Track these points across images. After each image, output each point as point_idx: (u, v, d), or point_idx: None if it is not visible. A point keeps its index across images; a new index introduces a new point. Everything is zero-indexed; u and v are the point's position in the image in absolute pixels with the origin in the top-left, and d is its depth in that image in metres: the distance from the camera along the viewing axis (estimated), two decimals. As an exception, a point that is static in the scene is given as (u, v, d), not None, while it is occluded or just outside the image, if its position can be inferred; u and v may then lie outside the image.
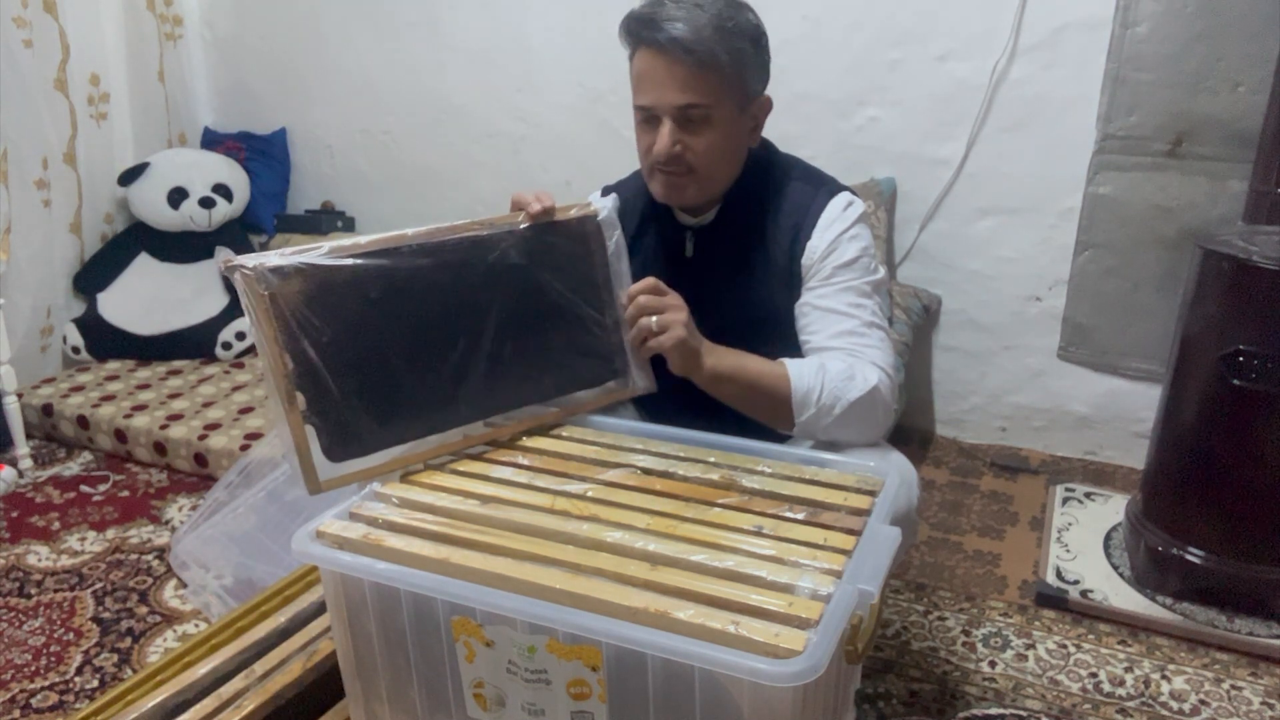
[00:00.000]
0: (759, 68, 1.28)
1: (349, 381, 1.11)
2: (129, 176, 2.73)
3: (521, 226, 1.22)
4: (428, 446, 1.18)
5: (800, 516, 1.03)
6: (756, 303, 1.33)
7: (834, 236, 1.29)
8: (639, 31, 1.23)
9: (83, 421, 2.37)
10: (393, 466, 1.15)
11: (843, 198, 1.32)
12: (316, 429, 1.09)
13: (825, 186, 1.34)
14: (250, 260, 1.05)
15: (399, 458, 1.15)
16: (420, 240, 1.16)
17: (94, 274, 2.73)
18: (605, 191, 1.46)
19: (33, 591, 1.82)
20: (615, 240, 1.27)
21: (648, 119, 1.26)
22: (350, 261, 1.11)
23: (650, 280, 1.23)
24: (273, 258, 1.06)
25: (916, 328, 2.25)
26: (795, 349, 1.30)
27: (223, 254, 1.06)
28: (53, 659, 1.63)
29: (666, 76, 1.21)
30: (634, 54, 1.26)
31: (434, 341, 1.17)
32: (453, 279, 1.17)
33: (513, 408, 1.24)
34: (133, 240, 2.79)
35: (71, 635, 1.69)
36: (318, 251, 1.09)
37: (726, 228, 1.35)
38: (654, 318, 1.21)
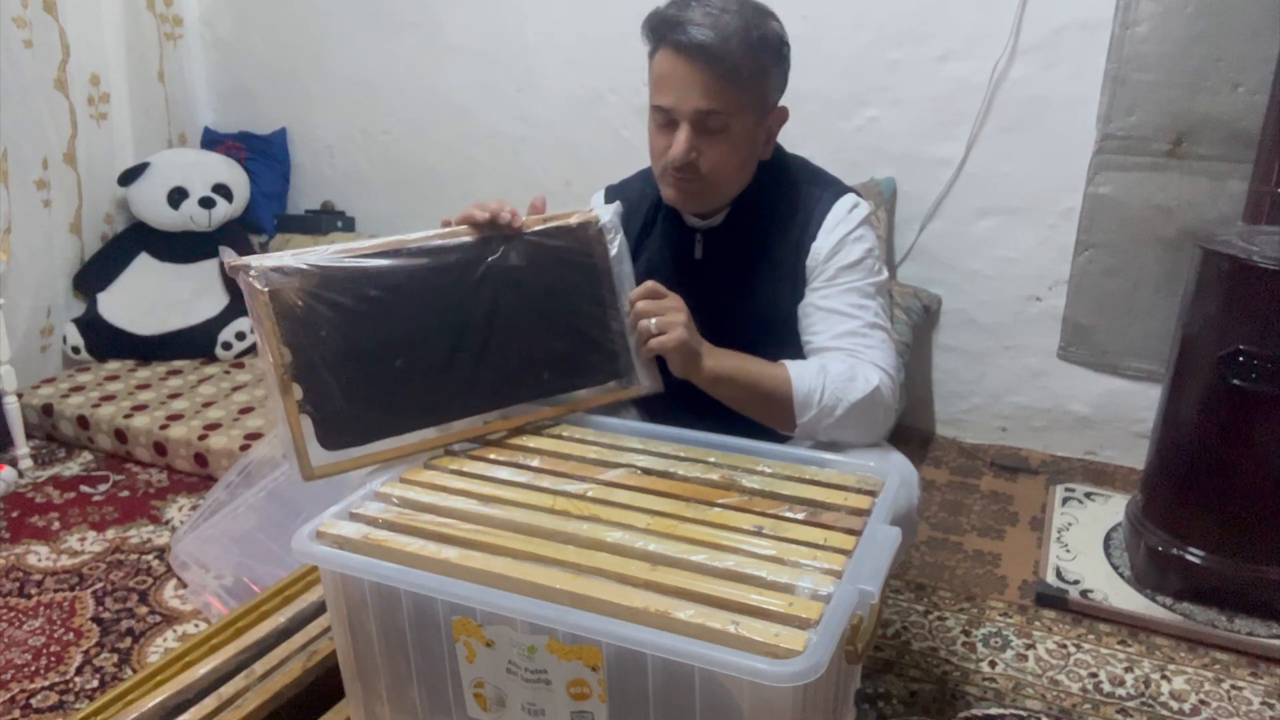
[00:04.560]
0: (780, 79, 1.28)
1: (345, 373, 1.14)
2: (129, 176, 2.73)
3: (524, 231, 1.23)
4: (424, 439, 1.18)
5: (800, 516, 1.03)
6: (765, 304, 1.33)
7: (839, 238, 1.29)
8: (664, 31, 1.21)
9: (83, 421, 2.37)
10: (386, 455, 1.16)
11: (848, 199, 1.32)
12: (312, 418, 1.12)
13: (831, 188, 1.34)
14: (254, 260, 1.10)
15: (393, 448, 1.16)
16: (419, 244, 1.19)
17: (94, 274, 2.73)
18: (608, 191, 1.46)
19: (33, 591, 1.82)
20: (618, 243, 1.28)
21: (665, 120, 1.25)
22: (351, 262, 1.15)
23: (649, 284, 1.24)
24: (275, 258, 1.11)
25: (916, 328, 2.25)
26: (802, 349, 1.31)
27: (227, 254, 1.10)
28: (53, 659, 1.63)
29: (688, 81, 1.20)
30: (655, 52, 1.25)
31: (431, 338, 1.18)
32: (451, 279, 1.19)
33: (511, 404, 1.24)
34: (133, 240, 2.79)
35: (71, 635, 1.69)
36: (320, 253, 1.14)
37: (736, 229, 1.35)
38: (654, 320, 1.21)
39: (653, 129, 1.28)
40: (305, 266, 1.12)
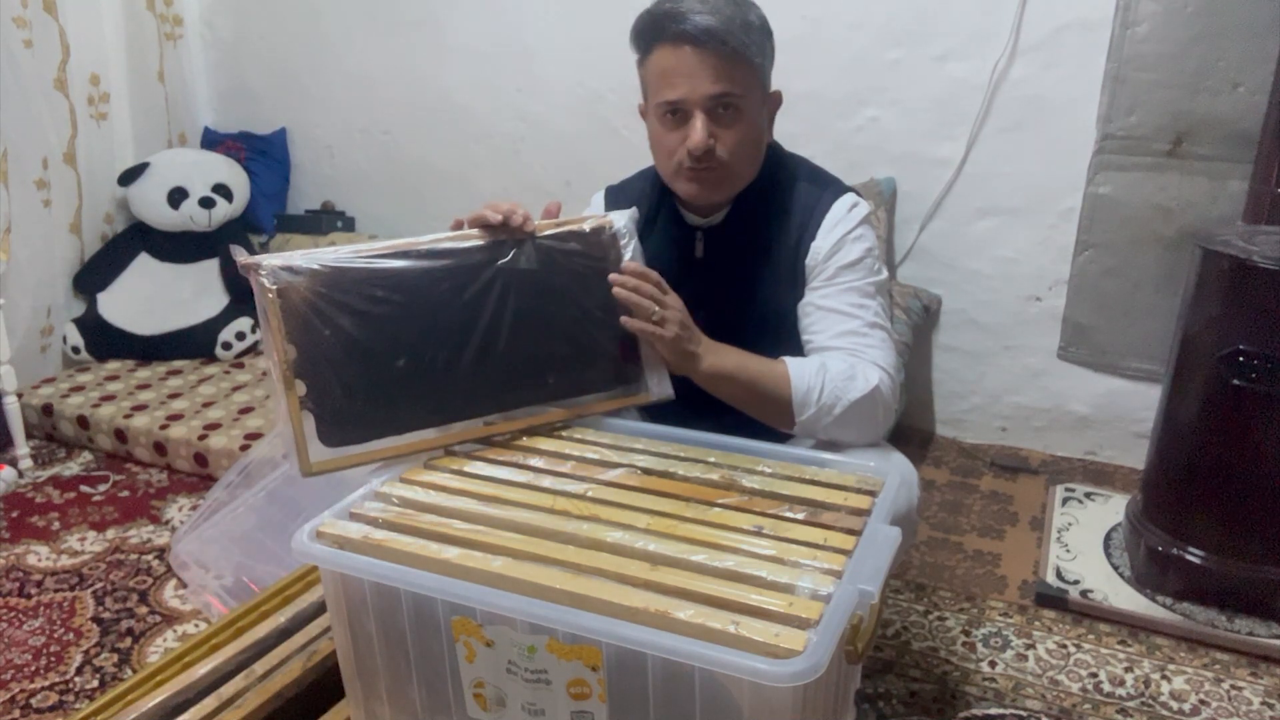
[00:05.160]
0: (772, 62, 1.29)
1: (349, 372, 1.14)
2: (129, 176, 2.73)
3: (536, 235, 1.23)
4: (424, 439, 1.18)
5: (800, 516, 1.03)
6: (765, 302, 1.33)
7: (839, 237, 1.29)
8: (664, 26, 1.22)
9: (83, 421, 2.37)
10: (385, 454, 1.16)
11: (848, 199, 1.33)
12: (313, 414, 1.12)
13: (831, 187, 1.34)
14: (265, 259, 1.12)
15: (393, 448, 1.16)
16: (429, 245, 1.19)
17: (94, 274, 2.73)
18: (608, 191, 1.46)
19: (33, 591, 1.82)
20: (631, 249, 1.28)
21: (675, 115, 1.25)
22: (361, 262, 1.16)
23: (656, 274, 1.24)
24: (285, 257, 1.13)
25: (916, 328, 2.25)
26: (802, 348, 1.31)
27: (239, 253, 1.11)
28: (53, 659, 1.63)
29: (698, 67, 1.20)
30: (652, 53, 1.25)
31: (437, 340, 1.18)
32: (460, 281, 1.20)
33: (515, 408, 1.24)
34: (133, 240, 2.79)
35: (71, 635, 1.69)
36: (331, 253, 1.15)
37: (736, 228, 1.35)
38: (655, 308, 1.21)
39: (658, 130, 1.28)
40: (316, 266, 1.14)
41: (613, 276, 1.23)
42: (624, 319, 1.23)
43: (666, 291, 1.24)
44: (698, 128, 1.22)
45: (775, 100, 1.33)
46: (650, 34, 1.24)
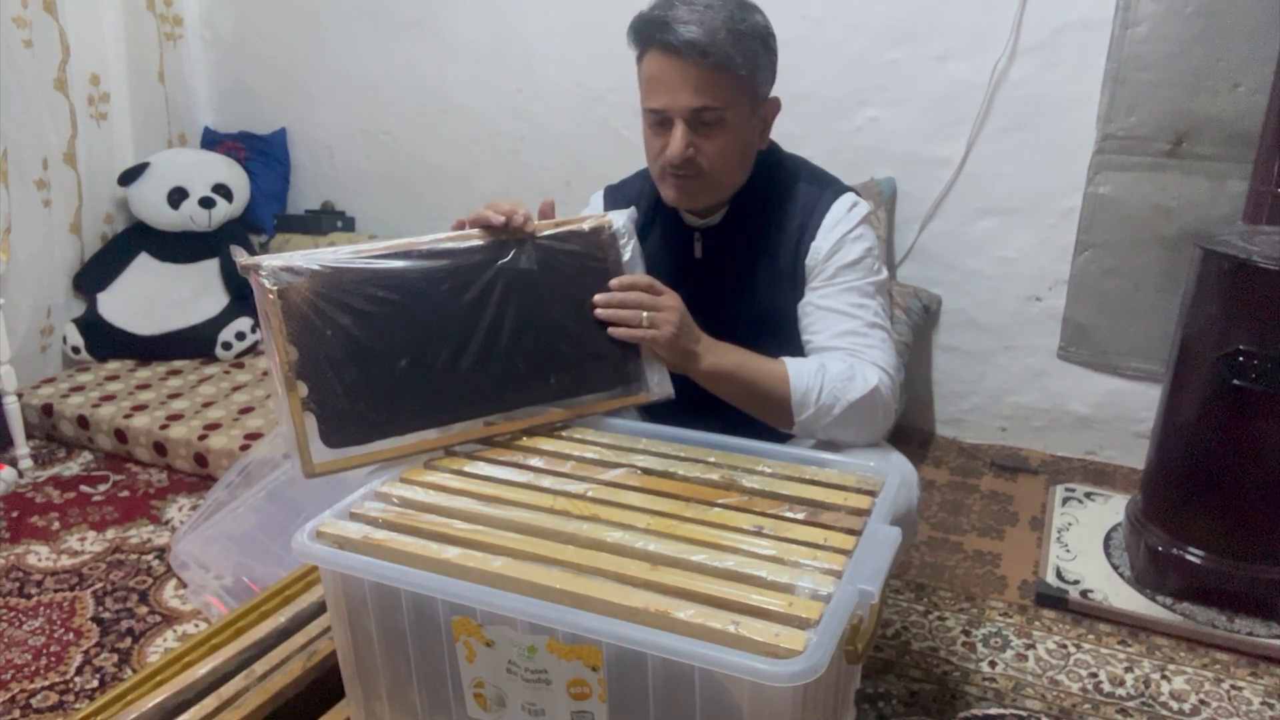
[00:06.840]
0: (769, 70, 1.28)
1: (350, 373, 1.14)
2: (129, 176, 2.73)
3: (536, 235, 1.24)
4: (426, 440, 1.18)
5: (800, 516, 1.03)
6: (764, 302, 1.33)
7: (838, 237, 1.29)
8: (651, 33, 1.22)
9: (83, 421, 2.37)
10: (387, 455, 1.16)
11: (847, 198, 1.33)
12: (315, 416, 1.12)
13: (830, 187, 1.34)
14: (265, 259, 1.12)
15: (395, 448, 1.16)
16: (430, 245, 1.20)
17: (94, 274, 2.73)
18: (607, 191, 1.46)
19: (33, 591, 1.82)
20: (630, 248, 1.28)
21: (660, 122, 1.25)
22: (361, 263, 1.16)
23: (646, 278, 1.24)
24: (285, 258, 1.13)
25: (916, 328, 2.25)
26: (801, 348, 1.31)
27: (239, 253, 1.12)
28: (53, 659, 1.63)
29: (680, 79, 1.20)
30: (644, 56, 1.25)
31: (438, 340, 1.19)
32: (461, 281, 1.20)
33: (516, 408, 1.24)
34: (133, 240, 2.79)
35: (71, 635, 1.69)
36: (331, 254, 1.16)
37: (735, 228, 1.35)
38: (645, 313, 1.21)
39: (648, 131, 1.29)
40: (316, 267, 1.14)
41: (597, 298, 1.24)
42: (612, 329, 1.23)
43: (661, 292, 1.24)
44: (677, 137, 1.22)
45: (772, 107, 1.32)
46: (642, 38, 1.25)
